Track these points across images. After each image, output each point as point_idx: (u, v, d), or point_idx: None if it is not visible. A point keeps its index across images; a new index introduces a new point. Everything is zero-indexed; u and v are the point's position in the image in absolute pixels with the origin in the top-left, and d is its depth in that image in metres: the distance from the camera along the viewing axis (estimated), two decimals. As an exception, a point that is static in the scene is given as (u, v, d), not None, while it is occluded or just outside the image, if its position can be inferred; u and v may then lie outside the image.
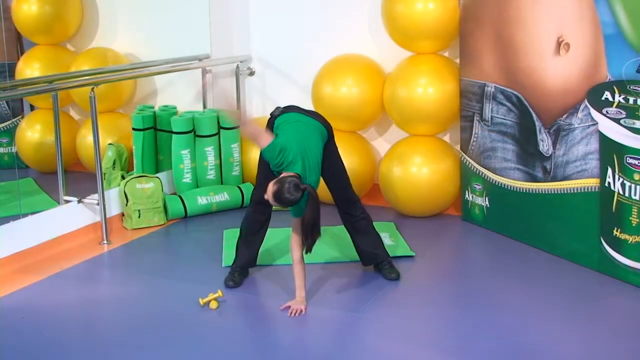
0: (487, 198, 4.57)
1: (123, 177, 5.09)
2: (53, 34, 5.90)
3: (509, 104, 4.31)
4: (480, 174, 4.59)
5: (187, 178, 5.09)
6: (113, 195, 4.78)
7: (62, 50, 6.04)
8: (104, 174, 5.04)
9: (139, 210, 4.72)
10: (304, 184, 3.32)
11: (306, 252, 3.41)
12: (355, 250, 3.94)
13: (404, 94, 4.71)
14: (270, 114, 3.73)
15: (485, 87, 4.44)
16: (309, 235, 3.33)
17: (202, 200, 5.00)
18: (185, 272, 4.05)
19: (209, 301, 3.55)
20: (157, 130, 5.29)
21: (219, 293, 3.58)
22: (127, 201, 4.71)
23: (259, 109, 5.75)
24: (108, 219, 4.61)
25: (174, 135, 5.04)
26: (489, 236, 4.52)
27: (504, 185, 4.42)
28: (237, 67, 5.64)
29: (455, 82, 4.69)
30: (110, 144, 5.45)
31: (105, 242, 4.50)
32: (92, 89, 4.51)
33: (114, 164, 5.35)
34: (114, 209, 4.78)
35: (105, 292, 3.91)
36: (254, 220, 3.84)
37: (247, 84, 5.76)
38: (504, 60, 4.30)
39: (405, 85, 4.71)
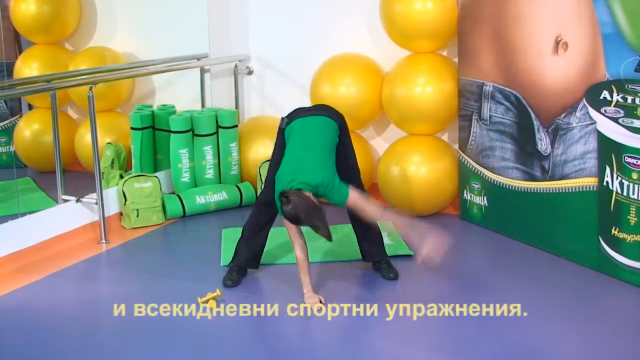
0: (485, 197, 4.58)
1: (121, 177, 5.08)
2: (51, 33, 5.90)
3: (507, 103, 4.31)
4: (479, 173, 4.59)
5: (186, 177, 5.08)
6: (111, 195, 4.78)
7: (60, 49, 6.03)
8: (103, 173, 5.04)
9: (137, 210, 4.71)
10: (294, 188, 3.36)
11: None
12: (358, 246, 3.96)
13: (402, 93, 4.71)
14: (279, 128, 3.70)
15: (484, 86, 4.44)
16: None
17: (200, 200, 5.00)
18: (183, 271, 4.05)
19: (208, 300, 3.55)
20: (155, 130, 5.29)
21: (218, 292, 3.57)
22: (126, 200, 4.70)
23: (257, 108, 5.75)
24: (106, 218, 4.61)
25: (172, 135, 5.03)
26: (488, 235, 4.52)
27: (503, 184, 4.42)
28: (236, 66, 5.64)
29: (453, 81, 4.69)
30: (108, 143, 5.45)
31: (103, 241, 4.50)
32: (91, 88, 4.50)
33: (112, 163, 5.35)
34: (112, 208, 4.77)
35: (103, 291, 3.91)
36: (257, 220, 3.83)
37: (246, 83, 5.76)
38: (502, 59, 4.30)
39: (404, 85, 4.71)
